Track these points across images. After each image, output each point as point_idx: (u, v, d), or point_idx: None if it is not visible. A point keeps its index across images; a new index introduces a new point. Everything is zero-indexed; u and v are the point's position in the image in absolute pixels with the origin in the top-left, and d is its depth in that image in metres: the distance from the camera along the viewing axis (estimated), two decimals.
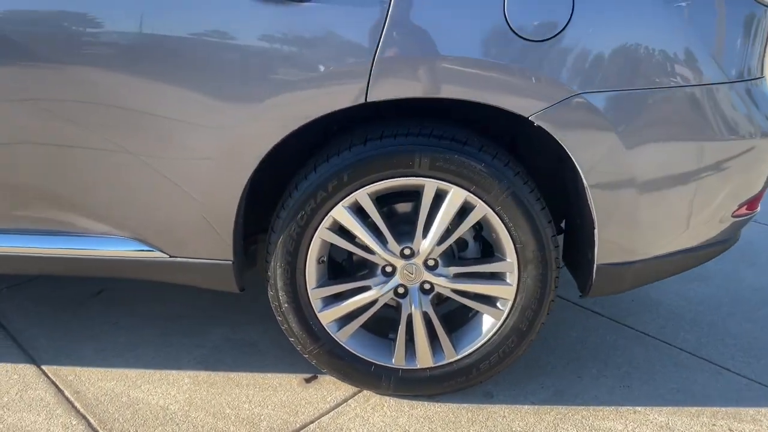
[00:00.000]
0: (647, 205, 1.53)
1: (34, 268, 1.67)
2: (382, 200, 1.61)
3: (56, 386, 1.75)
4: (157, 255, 1.62)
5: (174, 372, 1.83)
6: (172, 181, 1.51)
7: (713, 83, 1.46)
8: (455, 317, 1.74)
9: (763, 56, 1.56)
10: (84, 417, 1.65)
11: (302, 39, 1.38)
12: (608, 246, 1.56)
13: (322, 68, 1.39)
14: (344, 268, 1.74)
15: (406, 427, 1.64)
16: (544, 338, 2.03)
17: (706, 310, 2.23)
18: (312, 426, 1.64)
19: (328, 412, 1.69)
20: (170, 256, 1.62)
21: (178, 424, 1.63)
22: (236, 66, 1.40)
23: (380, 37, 1.37)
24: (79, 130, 1.48)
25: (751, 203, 1.69)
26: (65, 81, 1.43)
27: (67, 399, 1.71)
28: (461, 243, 1.69)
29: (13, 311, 2.12)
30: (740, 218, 1.68)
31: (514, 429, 1.65)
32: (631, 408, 1.74)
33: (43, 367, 1.84)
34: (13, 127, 1.51)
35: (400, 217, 1.65)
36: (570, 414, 1.71)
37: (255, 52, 1.40)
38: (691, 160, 1.51)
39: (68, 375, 1.80)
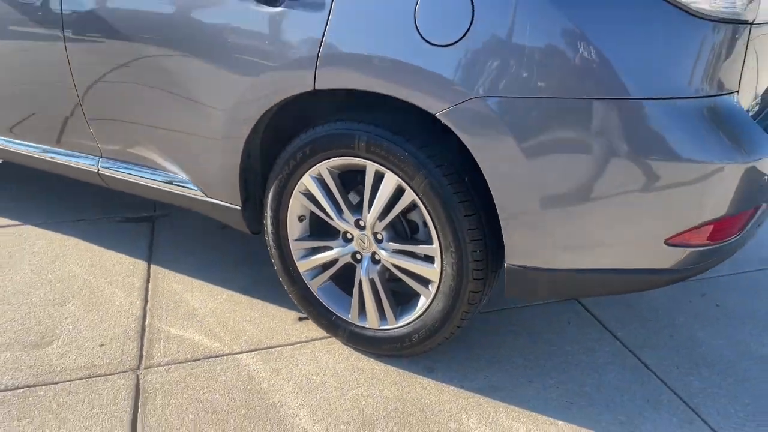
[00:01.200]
0: (554, 216, 1.55)
1: (136, 191, 2.35)
2: (350, 179, 1.90)
3: (148, 279, 2.44)
4: (199, 194, 2.16)
5: (218, 288, 2.38)
6: (202, 137, 2.03)
7: (623, 98, 1.42)
8: (406, 293, 1.93)
9: (711, 74, 1.43)
10: (146, 298, 2.29)
11: (273, 36, 1.76)
12: (515, 247, 1.62)
13: (284, 60, 1.75)
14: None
15: (340, 372, 1.92)
16: (536, 341, 2.06)
17: (744, 367, 1.97)
18: (275, 349, 2.03)
19: (293, 344, 2.05)
20: (206, 196, 2.15)
21: (196, 319, 2.16)
22: (236, 52, 1.84)
23: (322, 39, 1.67)
24: (153, 94, 2.08)
25: (713, 233, 1.54)
26: (151, 63, 2.04)
27: (147, 288, 2.37)
28: (414, 224, 1.88)
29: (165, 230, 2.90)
30: (691, 247, 1.55)
31: (423, 401, 1.81)
32: (551, 420, 1.74)
33: (153, 264, 2.55)
34: (94, 77, 2.18)
35: (361, 194, 1.91)
36: (484, 405, 1.79)
37: (245, 45, 1.82)
38: (597, 176, 1.49)
39: (164, 276, 2.48)
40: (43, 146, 2.55)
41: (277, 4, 1.73)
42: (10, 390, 1.83)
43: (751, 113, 1.60)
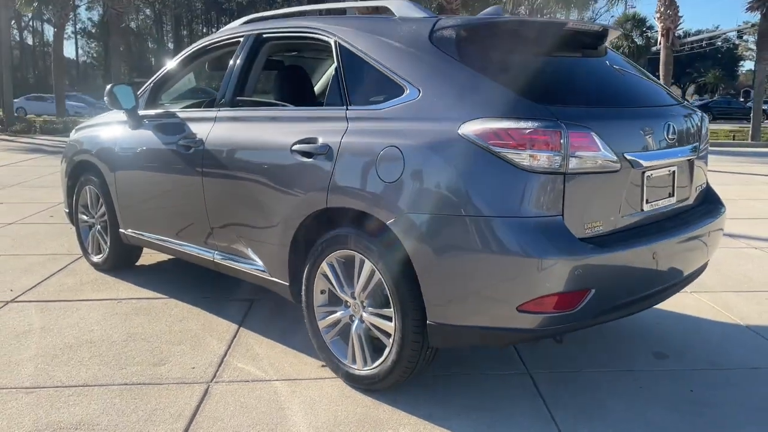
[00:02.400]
0: (450, 289, 2.47)
1: (237, 275, 3.53)
2: (351, 265, 2.92)
3: (235, 335, 3.54)
4: (267, 275, 3.28)
5: (277, 343, 3.41)
6: (269, 236, 3.17)
7: (482, 215, 2.35)
8: (381, 346, 2.83)
9: (540, 203, 2.32)
10: (229, 345, 3.37)
11: (307, 175, 2.91)
12: (432, 310, 2.52)
13: (312, 189, 2.88)
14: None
15: (333, 396, 2.84)
16: (476, 390, 2.84)
17: None
18: (298, 381, 2.99)
19: (312, 378, 3.01)
20: (270, 276, 3.26)
21: (256, 360, 3.20)
22: (288, 183, 3.01)
23: (330, 178, 2.79)
24: (246, 208, 3.30)
25: (560, 302, 2.33)
26: (231, 183, 3.28)
27: (232, 340, 3.47)
28: (385, 297, 2.80)
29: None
30: (543, 313, 2.35)
31: (379, 417, 2.66)
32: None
33: (242, 327, 3.66)
34: (216, 201, 3.44)
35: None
36: (419, 425, 2.60)
37: (293, 179, 2.98)
38: (473, 266, 2.40)
39: (246, 335, 3.58)
40: (182, 242, 3.87)
41: (311, 158, 2.90)
42: (135, 384, 2.96)
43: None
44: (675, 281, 2.88)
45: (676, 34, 18.94)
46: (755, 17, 20.55)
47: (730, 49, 66.04)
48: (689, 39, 58.32)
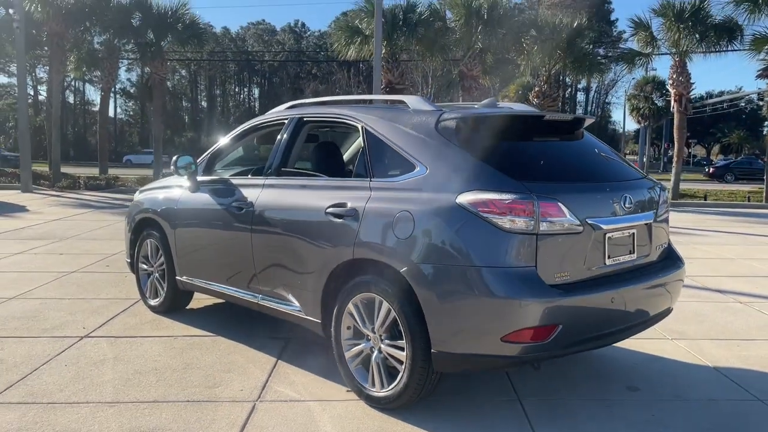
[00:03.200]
0: (449, 324, 3.14)
1: (278, 315, 4.23)
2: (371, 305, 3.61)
3: (274, 366, 4.21)
4: (302, 314, 3.98)
5: (311, 374, 4.07)
6: (305, 281, 3.89)
7: (474, 265, 3.04)
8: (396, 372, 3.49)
9: (518, 256, 3.00)
10: (270, 373, 4.05)
11: (338, 232, 3.64)
12: (435, 340, 3.18)
13: (341, 243, 3.60)
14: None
15: (357, 414, 3.48)
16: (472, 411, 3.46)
17: None
18: (327, 402, 3.64)
19: (338, 400, 3.66)
20: (305, 315, 3.95)
21: (294, 386, 3.86)
22: (322, 238, 3.74)
23: (356, 234, 3.51)
24: (286, 257, 4.03)
25: (535, 334, 2.99)
26: (276, 237, 4.03)
27: (272, 370, 4.14)
28: (398, 330, 3.47)
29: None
30: (522, 343, 3.00)
31: (391, 429, 3.29)
32: None
33: (280, 360, 4.33)
34: (262, 252, 4.18)
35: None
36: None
37: (327, 234, 3.71)
38: (469, 309, 3.07)
39: (283, 366, 4.25)
40: (231, 287, 4.60)
41: (341, 218, 3.64)
42: (196, 401, 3.64)
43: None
44: (635, 322, 3.53)
45: (689, 99, 19.67)
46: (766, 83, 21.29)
47: (754, 110, 66.61)
48: (712, 100, 59.25)
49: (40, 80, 56.43)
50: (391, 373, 3.50)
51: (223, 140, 5.06)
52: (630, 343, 4.64)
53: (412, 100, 3.85)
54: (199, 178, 4.96)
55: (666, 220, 3.92)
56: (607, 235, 3.36)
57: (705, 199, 19.39)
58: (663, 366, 4.35)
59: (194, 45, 22.90)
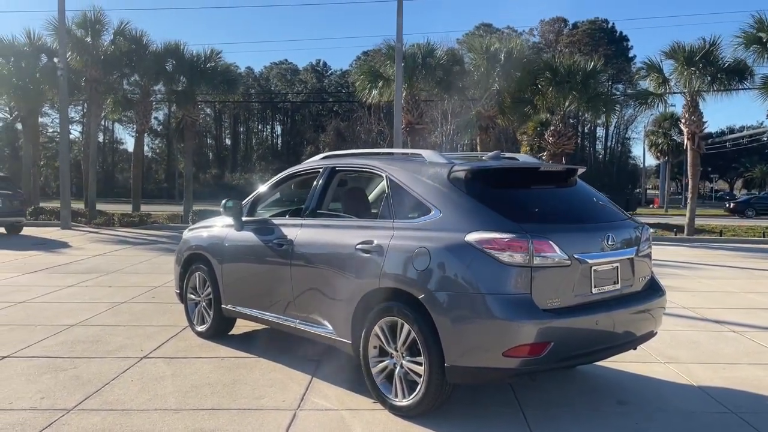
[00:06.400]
0: (460, 343, 3.77)
1: (312, 338, 4.88)
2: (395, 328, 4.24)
3: (310, 382, 4.85)
4: (335, 336, 4.63)
5: (342, 389, 4.70)
6: (337, 307, 4.55)
7: (481, 293, 3.69)
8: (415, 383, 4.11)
9: (515, 285, 3.65)
10: (307, 388, 4.68)
11: (366, 264, 4.31)
12: (449, 356, 3.81)
13: (368, 275, 4.27)
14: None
15: (382, 420, 4.10)
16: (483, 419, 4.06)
17: None
18: (354, 411, 4.26)
19: (365, 409, 4.28)
20: (337, 336, 4.60)
21: (327, 398, 4.49)
22: (352, 270, 4.41)
23: (382, 266, 4.18)
24: (321, 286, 4.70)
25: (530, 350, 3.61)
26: (312, 270, 4.71)
27: (308, 385, 4.78)
28: (417, 348, 4.10)
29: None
30: (520, 357, 3.62)
31: (407, 430, 3.90)
32: None
33: (314, 377, 4.97)
34: (300, 282, 4.86)
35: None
36: None
37: (356, 267, 4.38)
38: (476, 328, 3.70)
39: (317, 382, 4.89)
40: (272, 313, 5.28)
41: (368, 254, 4.31)
42: (246, 409, 4.29)
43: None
44: (620, 342, 4.14)
45: (701, 137, 20.19)
46: None
47: None
48: (732, 135, 59.37)
49: (71, 120, 58.82)
50: (411, 386, 4.12)
51: (265, 185, 5.81)
52: (624, 365, 5.23)
53: (428, 154, 4.56)
54: (244, 219, 5.69)
55: (648, 255, 4.53)
56: (593, 268, 4.00)
57: (721, 235, 19.76)
58: (652, 384, 4.91)
59: (224, 90, 24.07)
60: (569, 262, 3.86)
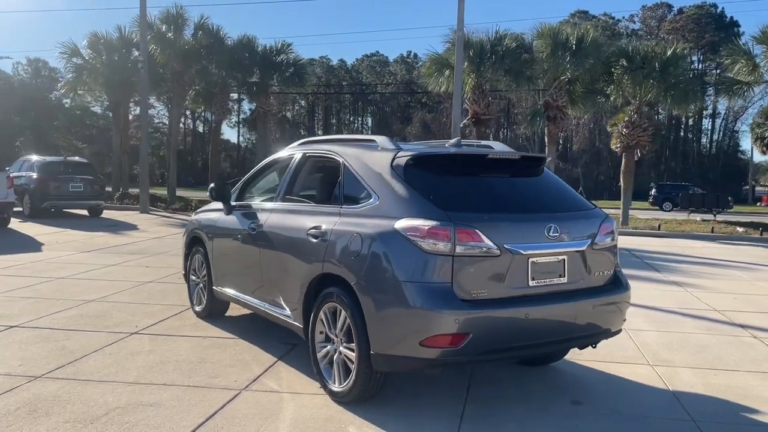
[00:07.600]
0: (382, 328, 3.71)
1: (274, 320, 4.95)
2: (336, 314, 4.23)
3: (272, 364, 4.92)
4: (291, 320, 4.67)
5: (297, 372, 4.74)
6: (291, 291, 4.59)
7: (403, 280, 3.61)
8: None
9: (435, 273, 3.54)
10: (265, 370, 4.76)
11: (314, 249, 4.31)
12: (374, 343, 3.76)
13: (315, 259, 4.28)
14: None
15: (319, 404, 4.10)
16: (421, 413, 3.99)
17: None
18: (297, 395, 4.29)
19: (307, 393, 4.30)
20: (293, 320, 4.64)
21: (279, 380, 4.55)
22: (303, 254, 4.43)
23: (324, 252, 4.18)
24: (281, 268, 4.76)
25: (449, 340, 3.50)
26: (275, 254, 4.76)
27: (269, 367, 4.86)
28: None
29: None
30: (438, 348, 3.52)
31: (339, 417, 3.88)
32: None
33: (280, 360, 5.04)
34: (267, 267, 4.93)
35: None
36: (364, 426, 3.79)
37: (306, 251, 4.40)
38: (394, 316, 3.63)
39: (279, 365, 4.96)
40: (247, 296, 5.39)
41: (317, 238, 4.32)
42: (195, 387, 4.42)
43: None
44: (558, 339, 3.91)
45: None
46: None
47: None
48: None
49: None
50: (346, 372, 4.10)
51: (251, 172, 5.93)
52: (605, 365, 4.98)
53: (381, 140, 4.49)
54: (233, 203, 5.83)
55: (610, 249, 4.24)
56: (531, 260, 3.80)
57: None
58: (621, 386, 4.62)
59: (296, 83, 24.65)
60: (498, 251, 3.69)
